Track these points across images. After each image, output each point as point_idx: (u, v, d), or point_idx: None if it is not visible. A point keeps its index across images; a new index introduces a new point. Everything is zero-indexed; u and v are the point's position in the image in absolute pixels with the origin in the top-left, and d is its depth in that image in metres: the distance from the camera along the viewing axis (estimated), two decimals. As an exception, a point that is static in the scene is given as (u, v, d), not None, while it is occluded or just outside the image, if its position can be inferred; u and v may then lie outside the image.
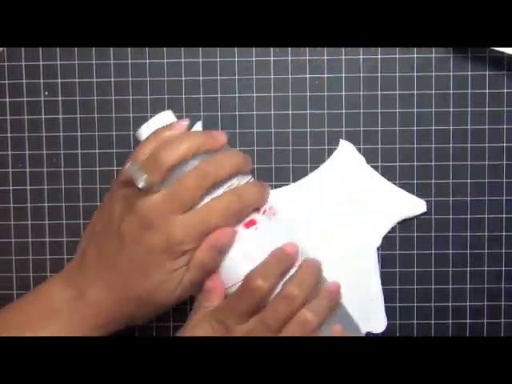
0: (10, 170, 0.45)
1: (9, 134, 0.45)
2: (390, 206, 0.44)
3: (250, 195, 0.37)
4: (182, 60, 0.45)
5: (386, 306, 0.44)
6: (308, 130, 0.44)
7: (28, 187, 0.45)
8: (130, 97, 0.45)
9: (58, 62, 0.45)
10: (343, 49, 0.44)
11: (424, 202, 0.44)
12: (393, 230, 0.44)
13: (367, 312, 0.44)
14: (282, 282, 0.36)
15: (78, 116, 0.45)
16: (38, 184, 0.45)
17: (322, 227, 0.44)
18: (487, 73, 0.44)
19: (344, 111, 0.44)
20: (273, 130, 0.45)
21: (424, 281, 0.45)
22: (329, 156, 0.44)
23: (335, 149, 0.44)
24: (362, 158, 0.44)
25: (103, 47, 0.44)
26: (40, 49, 0.45)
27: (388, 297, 0.44)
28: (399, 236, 0.45)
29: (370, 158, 0.44)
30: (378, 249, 0.44)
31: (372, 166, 0.44)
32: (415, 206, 0.44)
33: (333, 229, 0.44)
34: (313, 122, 0.44)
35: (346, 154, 0.44)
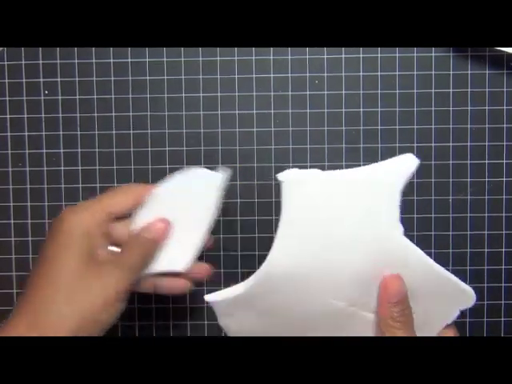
0: (10, 169, 0.45)
1: (9, 133, 0.45)
2: (383, 183, 0.37)
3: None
4: (182, 59, 0.45)
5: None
6: (308, 128, 0.44)
7: (28, 186, 0.45)
8: (130, 96, 0.45)
9: (58, 61, 0.45)
10: (343, 48, 0.44)
11: (411, 155, 0.37)
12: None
13: (449, 293, 0.37)
14: None
15: (78, 115, 0.45)
16: (37, 183, 0.45)
17: (340, 254, 0.37)
18: (487, 72, 0.44)
19: (344, 110, 0.44)
20: (272, 129, 0.45)
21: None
22: (328, 155, 0.44)
23: (335, 148, 0.44)
24: (312, 172, 0.37)
25: (103, 47, 0.44)
26: (40, 48, 0.45)
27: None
28: (399, 235, 0.45)
29: (370, 156, 0.44)
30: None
31: (372, 165, 0.44)
32: (406, 163, 0.37)
33: (352, 248, 0.37)
34: (313, 120, 0.44)
35: (295, 182, 0.37)
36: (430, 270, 0.37)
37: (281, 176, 0.37)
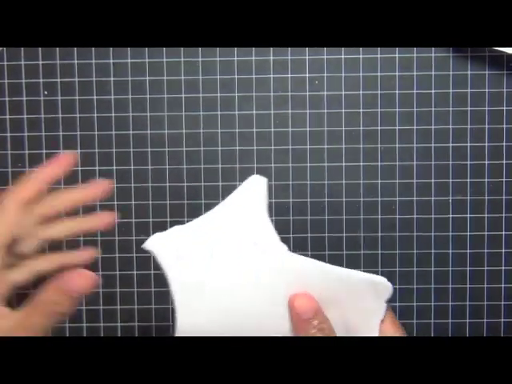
0: (10, 169, 0.45)
1: (8, 134, 0.45)
2: (246, 213, 0.36)
3: None
4: (182, 59, 0.45)
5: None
6: (308, 129, 0.44)
7: (27, 186, 0.45)
8: (130, 96, 0.45)
9: (58, 62, 0.45)
10: (343, 48, 0.44)
11: (257, 176, 0.36)
12: (392, 229, 0.44)
13: (365, 290, 0.36)
14: None
15: (78, 115, 0.45)
16: (37, 183, 0.45)
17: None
18: (487, 72, 0.44)
19: (344, 110, 0.44)
20: (272, 130, 0.45)
21: (424, 281, 0.45)
22: (328, 156, 0.44)
23: (334, 148, 0.44)
24: (174, 230, 0.37)
25: (103, 47, 0.44)
26: (39, 48, 0.45)
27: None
28: (399, 236, 0.45)
29: (370, 157, 0.44)
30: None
31: (372, 166, 0.44)
32: (257, 185, 0.36)
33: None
34: (312, 121, 0.44)
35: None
36: (334, 275, 0.35)
37: (147, 246, 0.35)
